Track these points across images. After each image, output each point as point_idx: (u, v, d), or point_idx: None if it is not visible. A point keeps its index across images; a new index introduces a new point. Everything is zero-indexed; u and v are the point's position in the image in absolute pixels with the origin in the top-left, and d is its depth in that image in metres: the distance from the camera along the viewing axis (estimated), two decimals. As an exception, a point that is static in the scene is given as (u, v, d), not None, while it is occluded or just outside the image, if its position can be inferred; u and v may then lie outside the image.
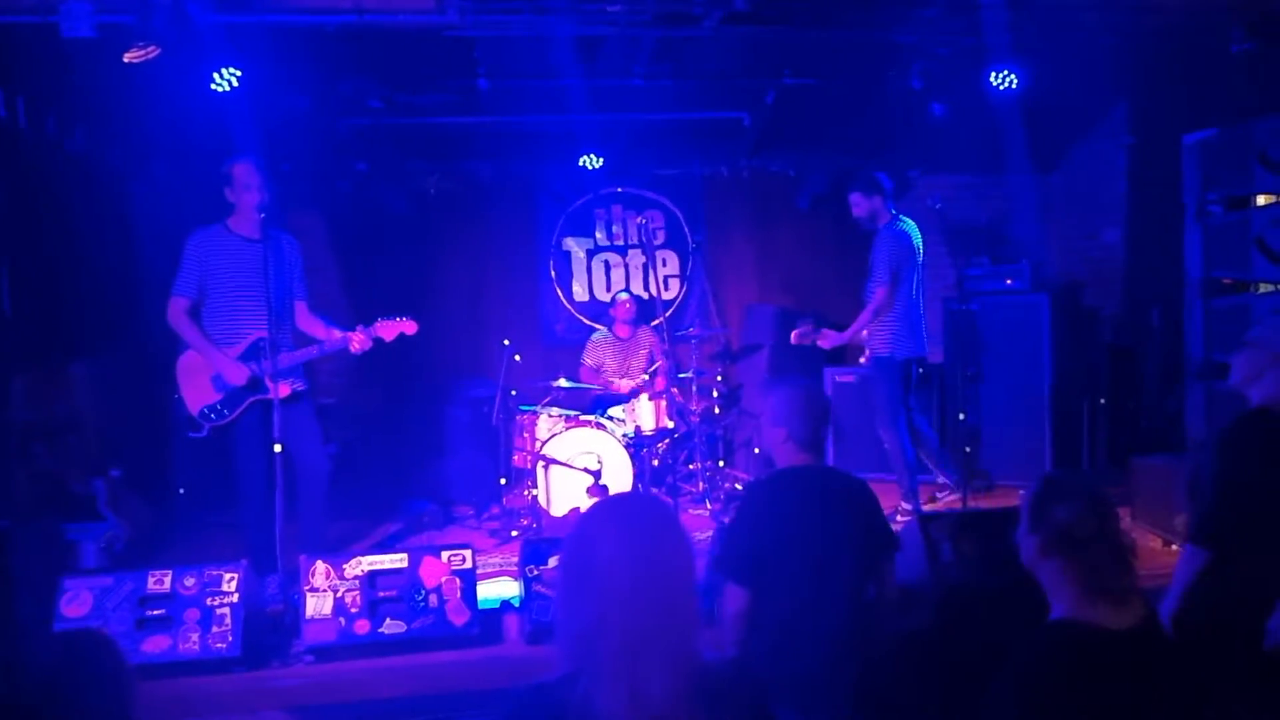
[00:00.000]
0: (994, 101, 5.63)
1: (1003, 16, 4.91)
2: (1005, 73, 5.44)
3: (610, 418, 5.87)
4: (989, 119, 5.92)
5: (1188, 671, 2.02)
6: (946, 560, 3.62)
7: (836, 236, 6.95)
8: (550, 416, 5.72)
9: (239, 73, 4.69)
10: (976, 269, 6.48)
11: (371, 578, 3.63)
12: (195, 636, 3.45)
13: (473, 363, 7.03)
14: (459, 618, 3.62)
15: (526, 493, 5.67)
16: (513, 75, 5.61)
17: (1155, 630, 2.06)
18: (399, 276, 6.89)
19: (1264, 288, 4.82)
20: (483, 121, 6.54)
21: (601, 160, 6.96)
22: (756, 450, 6.36)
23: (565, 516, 5.31)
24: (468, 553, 3.75)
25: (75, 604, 3.48)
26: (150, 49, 4.27)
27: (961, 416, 5.64)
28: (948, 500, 5.63)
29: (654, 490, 5.80)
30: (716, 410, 6.67)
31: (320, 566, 3.61)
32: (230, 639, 3.45)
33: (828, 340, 5.39)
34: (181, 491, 5.81)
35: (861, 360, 5.58)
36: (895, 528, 3.37)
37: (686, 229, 7.59)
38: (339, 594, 3.57)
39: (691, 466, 6.32)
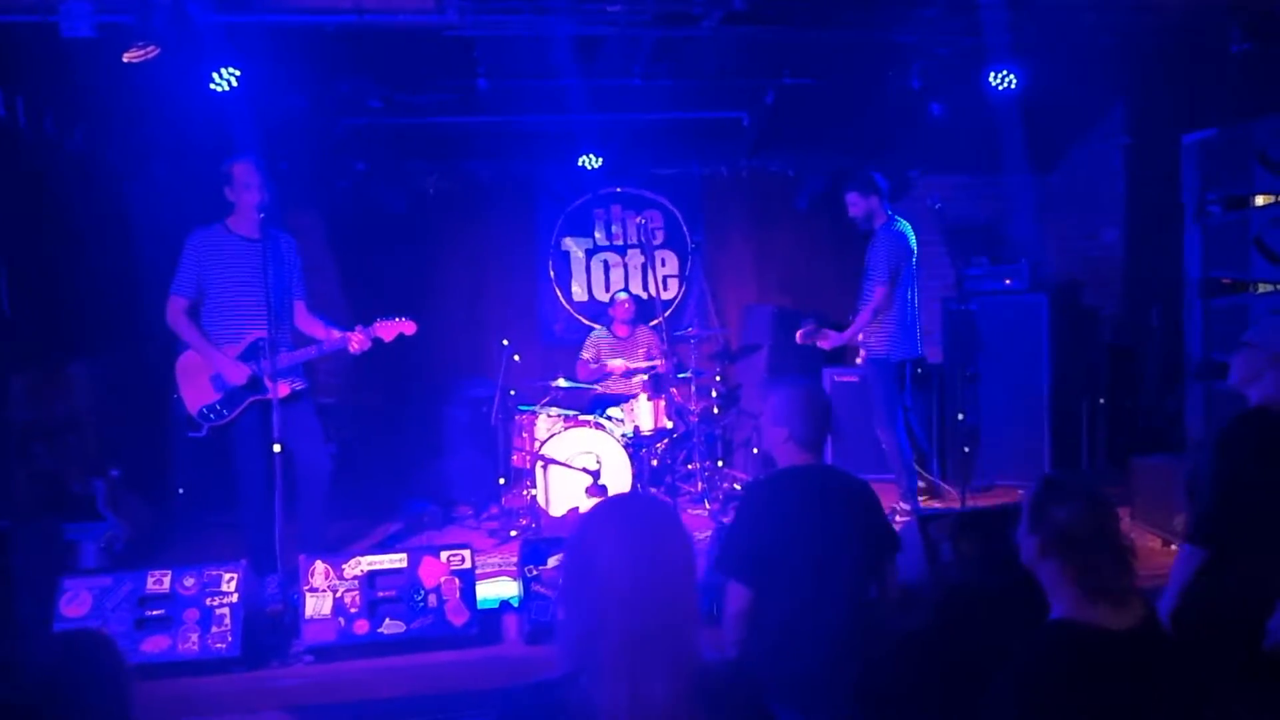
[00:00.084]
0: (993, 101, 5.63)
1: (1002, 16, 4.91)
2: (1004, 73, 5.44)
3: (609, 418, 5.87)
4: (988, 119, 5.92)
5: (1187, 672, 2.02)
6: (946, 560, 3.62)
7: (836, 237, 6.94)
8: (549, 416, 5.73)
9: (238, 72, 4.68)
10: (976, 269, 6.48)
11: (371, 578, 3.63)
12: (195, 636, 3.45)
13: (472, 363, 7.03)
14: (458, 618, 3.62)
15: (525, 493, 5.68)
16: (512, 75, 5.61)
17: (1155, 631, 2.06)
18: (398, 276, 6.89)
19: (1263, 288, 4.82)
20: (482, 121, 6.54)
21: (601, 160, 6.96)
22: (755, 450, 6.36)
23: (564, 516, 5.31)
24: (467, 553, 3.75)
25: (75, 604, 3.48)
26: (150, 49, 4.26)
27: (961, 416, 5.65)
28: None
29: (653, 490, 5.80)
30: (715, 410, 6.67)
31: (320, 566, 3.61)
32: (230, 639, 3.45)
33: (828, 341, 5.40)
34: (181, 491, 5.81)
35: (857, 361, 5.58)
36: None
37: (685, 229, 7.59)
38: (338, 594, 3.57)
39: (690, 466, 6.33)
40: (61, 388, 5.17)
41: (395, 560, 3.68)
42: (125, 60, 4.28)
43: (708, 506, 5.83)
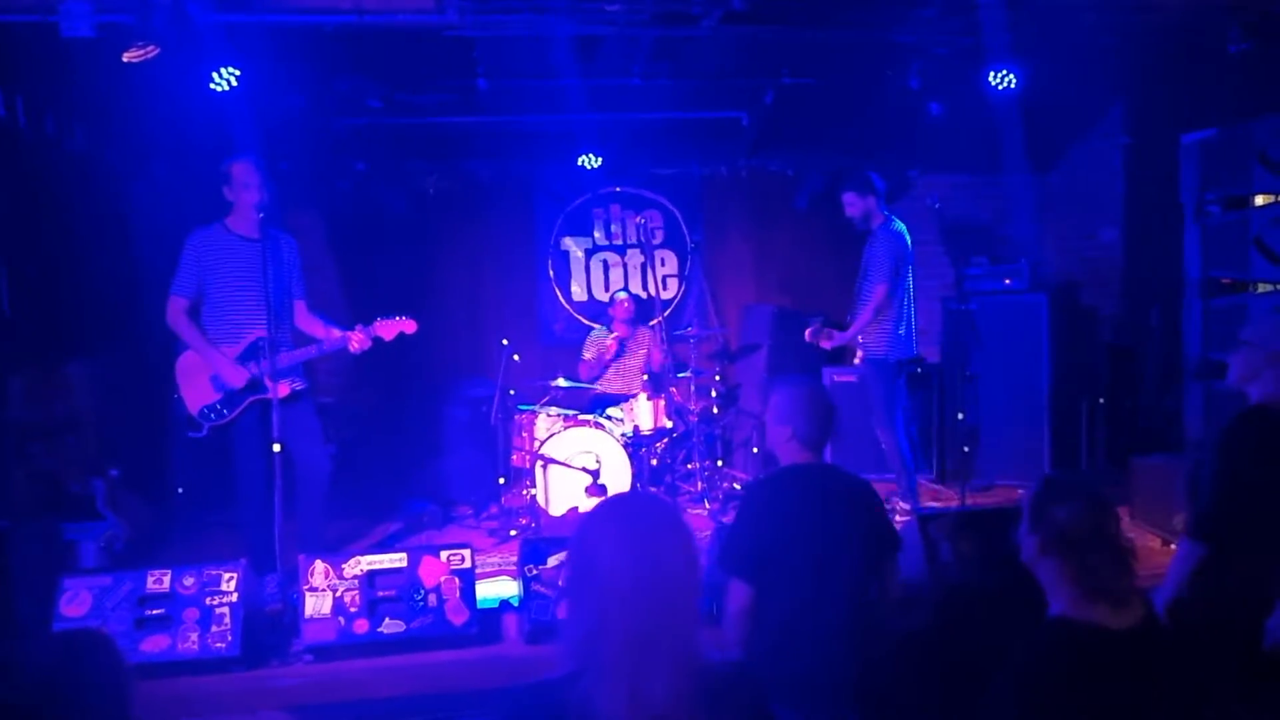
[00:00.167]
0: (992, 101, 5.63)
1: (1001, 16, 4.90)
2: (1003, 72, 5.44)
3: (609, 417, 5.88)
4: (987, 119, 5.92)
5: (1187, 671, 2.02)
6: (945, 560, 3.62)
7: (835, 236, 6.91)
8: (549, 416, 5.73)
9: (238, 72, 4.68)
10: (975, 269, 6.49)
11: (370, 577, 3.63)
12: (194, 636, 3.45)
13: (472, 362, 7.02)
14: (458, 617, 3.62)
15: (525, 492, 5.68)
16: (512, 75, 5.61)
17: (1155, 630, 2.06)
18: (398, 276, 6.88)
19: (1262, 287, 4.83)
20: (481, 121, 6.54)
21: (600, 160, 6.96)
22: (755, 450, 6.36)
23: (564, 516, 5.32)
24: (466, 552, 3.76)
25: (74, 603, 3.48)
26: (149, 49, 4.27)
27: (960, 416, 5.65)
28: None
29: (653, 490, 5.80)
30: (715, 410, 6.67)
31: (319, 566, 3.61)
32: (229, 638, 3.46)
33: (830, 340, 5.40)
34: (180, 491, 5.81)
35: (855, 361, 5.58)
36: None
37: (685, 228, 7.59)
38: (338, 593, 3.57)
39: (690, 466, 6.32)
40: (61, 387, 5.17)
41: (395, 560, 3.68)
42: (125, 60, 4.28)
43: (707, 506, 5.83)
